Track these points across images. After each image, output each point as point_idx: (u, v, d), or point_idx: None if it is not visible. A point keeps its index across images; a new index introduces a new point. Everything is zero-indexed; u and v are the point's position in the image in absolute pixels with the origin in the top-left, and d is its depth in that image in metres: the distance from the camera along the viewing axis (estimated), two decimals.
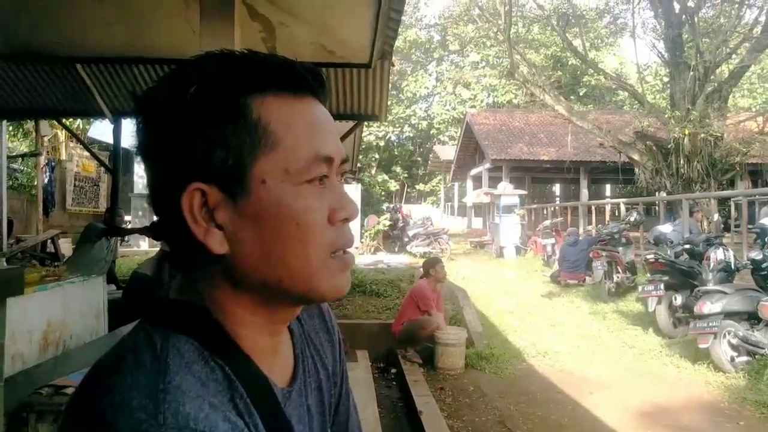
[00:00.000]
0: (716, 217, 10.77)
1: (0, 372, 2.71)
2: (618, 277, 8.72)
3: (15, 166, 10.66)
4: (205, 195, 0.53)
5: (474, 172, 25.06)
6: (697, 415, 4.39)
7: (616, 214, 12.85)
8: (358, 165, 19.87)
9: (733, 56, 14.40)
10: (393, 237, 15.82)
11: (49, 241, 8.05)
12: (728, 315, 5.23)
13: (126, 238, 13.85)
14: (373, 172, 31.53)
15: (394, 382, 5.41)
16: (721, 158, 12.86)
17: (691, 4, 14.44)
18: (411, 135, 34.26)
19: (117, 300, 4.75)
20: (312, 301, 0.61)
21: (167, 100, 0.55)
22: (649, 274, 7.01)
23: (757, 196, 11.63)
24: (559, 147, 20.69)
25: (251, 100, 0.54)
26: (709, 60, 13.22)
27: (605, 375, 5.37)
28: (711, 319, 5.21)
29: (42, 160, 9.86)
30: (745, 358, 5.14)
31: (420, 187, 35.17)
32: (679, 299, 6.35)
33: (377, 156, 32.45)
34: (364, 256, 14.22)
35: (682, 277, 6.51)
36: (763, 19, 13.84)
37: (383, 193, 31.17)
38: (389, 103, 10.36)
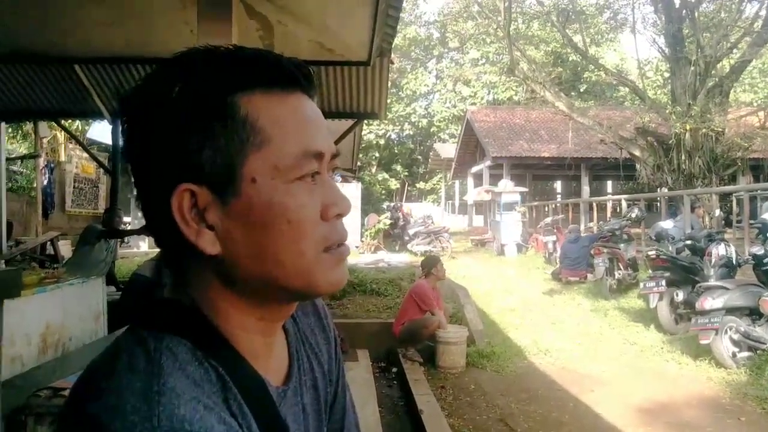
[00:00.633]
0: (718, 212, 10.74)
1: None
2: (619, 274, 8.71)
3: (14, 168, 10.67)
4: (195, 196, 0.53)
5: (475, 169, 25.04)
6: (699, 411, 4.38)
7: (618, 210, 12.83)
8: (358, 164, 19.85)
9: (734, 51, 14.40)
10: (393, 236, 15.82)
11: (48, 243, 8.05)
12: (730, 311, 5.21)
13: (126, 239, 13.88)
14: (373, 170, 31.53)
15: (395, 382, 5.41)
16: (722, 153, 12.84)
17: None
18: (411, 133, 34.25)
19: (117, 302, 4.75)
20: (310, 296, 0.60)
21: (152, 100, 0.54)
22: (650, 271, 7.00)
23: (758, 192, 11.60)
24: (560, 144, 20.66)
25: (238, 98, 0.53)
26: (709, 55, 13.19)
27: (606, 372, 5.36)
28: (712, 314, 5.19)
29: (41, 161, 9.87)
30: (746, 354, 5.13)
31: (420, 185, 35.16)
32: (680, 295, 6.34)
33: (377, 154, 32.44)
34: (365, 255, 14.22)
35: (684, 273, 6.49)
36: (763, 13, 13.83)
37: (383, 191, 31.18)
38: (389, 101, 10.35)
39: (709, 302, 5.25)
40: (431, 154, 31.21)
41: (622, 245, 9.09)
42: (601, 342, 6.39)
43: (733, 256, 6.23)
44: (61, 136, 11.13)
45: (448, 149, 28.78)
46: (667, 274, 6.49)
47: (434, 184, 34.31)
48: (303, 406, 0.63)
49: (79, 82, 6.25)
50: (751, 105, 19.93)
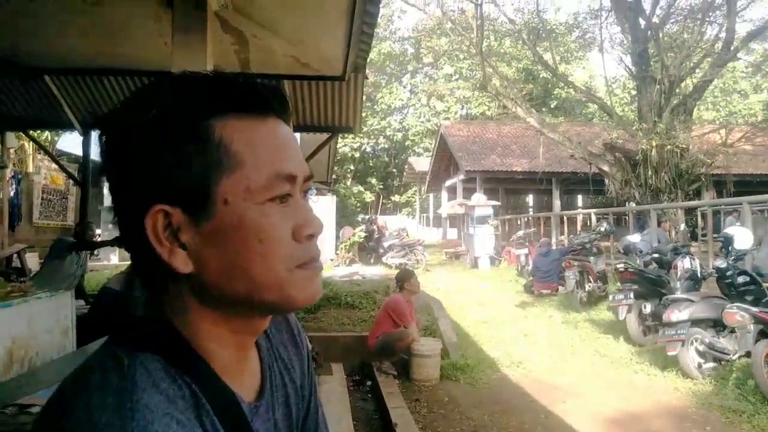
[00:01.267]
0: (683, 226, 11.06)
1: None
2: (589, 287, 8.87)
3: None
4: (169, 216, 0.54)
5: (448, 183, 25.26)
6: (666, 421, 4.48)
7: (588, 224, 13.10)
8: (333, 176, 19.85)
9: (697, 71, 14.89)
10: (368, 248, 15.80)
11: (15, 255, 7.83)
12: (695, 322, 5.35)
13: (96, 251, 13.57)
14: (348, 183, 31.57)
15: (369, 395, 5.39)
16: (687, 169, 13.23)
17: (655, 20, 14.91)
18: (386, 146, 34.46)
19: (85, 315, 4.65)
20: (285, 309, 0.61)
21: (130, 122, 0.55)
22: (619, 283, 7.15)
23: (722, 206, 11.99)
24: (532, 158, 21.01)
25: (213, 122, 0.55)
26: (673, 74, 13.64)
27: (578, 383, 5.44)
28: (679, 326, 5.32)
29: (8, 172, 9.61)
30: (711, 365, 5.27)
31: (395, 198, 35.31)
32: (648, 307, 6.49)
33: (352, 167, 32.53)
34: (340, 267, 14.16)
35: (651, 285, 6.65)
36: (723, 35, 14.35)
37: (358, 204, 31.21)
38: (364, 114, 10.44)
39: (675, 314, 5.38)
40: (406, 167, 31.40)
41: (591, 258, 9.28)
42: (573, 354, 6.49)
43: (698, 269, 6.40)
44: (29, 146, 10.87)
45: (422, 163, 29.01)
46: (635, 287, 6.64)
47: (409, 197, 34.48)
48: (275, 422, 0.64)
49: (50, 93, 6.16)
50: (714, 123, 20.62)
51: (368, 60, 5.71)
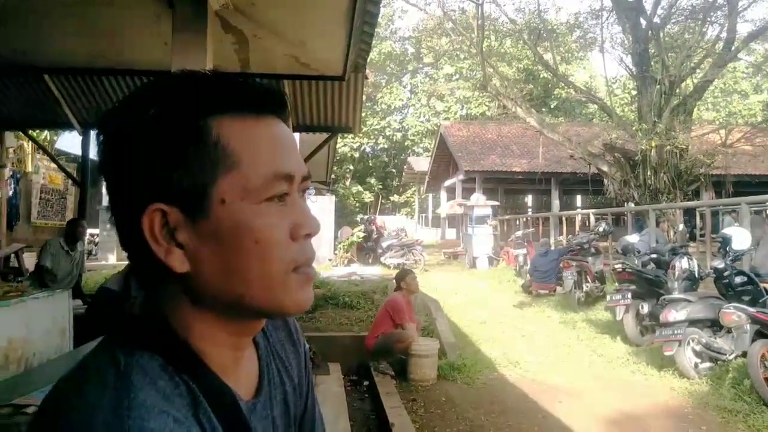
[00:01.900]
0: (681, 227, 11.06)
1: None
2: (587, 287, 8.88)
3: None
4: (166, 215, 0.54)
5: (448, 183, 25.27)
6: (663, 421, 4.49)
7: (586, 224, 13.11)
8: (333, 176, 19.86)
9: (697, 71, 14.88)
10: (367, 248, 15.82)
11: (12, 255, 7.83)
12: (692, 323, 5.35)
13: (93, 251, 13.57)
14: (347, 183, 31.59)
15: (366, 395, 5.39)
16: (686, 170, 13.23)
17: (657, 20, 14.91)
18: (385, 146, 34.47)
19: (83, 315, 4.65)
20: (276, 316, 0.62)
21: (128, 122, 0.56)
22: (617, 284, 7.15)
23: (720, 207, 11.99)
24: (531, 158, 21.02)
25: (210, 122, 0.55)
26: (674, 74, 13.64)
27: (575, 383, 5.45)
28: (676, 326, 5.33)
29: (6, 172, 9.60)
30: (708, 365, 5.28)
31: (394, 198, 35.32)
32: (645, 308, 6.50)
33: (352, 167, 32.55)
34: (338, 267, 14.18)
35: (649, 286, 6.66)
36: (724, 35, 14.35)
37: (357, 204, 31.23)
38: (363, 114, 10.44)
39: (672, 314, 5.39)
40: (405, 167, 31.41)
41: (590, 258, 9.28)
42: (570, 354, 6.50)
43: (696, 269, 6.41)
44: (28, 146, 10.86)
45: (421, 163, 29.03)
46: (632, 287, 6.65)
47: (408, 197, 34.49)
48: (273, 419, 0.64)
49: (49, 92, 6.17)
50: (713, 123, 20.62)
51: (368, 60, 5.72)
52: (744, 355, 4.89)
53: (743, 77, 29.37)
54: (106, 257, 13.08)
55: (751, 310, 5.01)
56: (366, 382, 5.63)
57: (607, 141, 14.26)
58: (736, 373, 4.91)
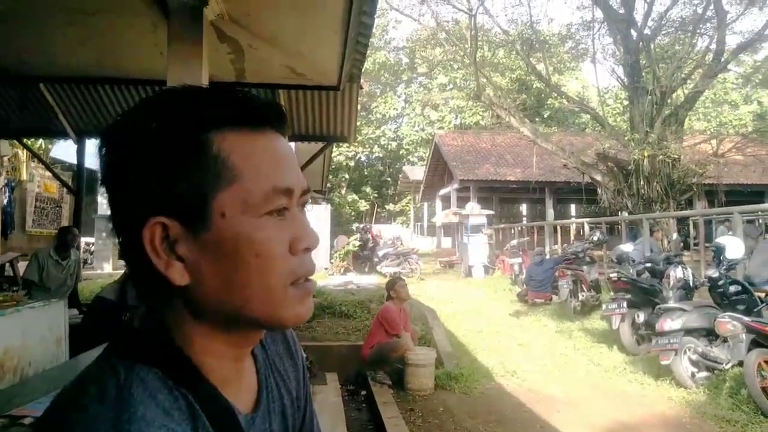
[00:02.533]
0: (675, 236, 11.12)
1: None
2: (583, 296, 8.89)
3: None
4: (167, 228, 0.55)
5: (443, 192, 25.33)
6: (660, 430, 4.49)
7: (581, 233, 13.15)
8: (328, 185, 19.86)
9: (688, 82, 15.02)
10: (363, 257, 15.80)
11: (7, 264, 7.77)
12: (688, 332, 5.36)
13: (89, 260, 13.49)
14: (343, 192, 31.58)
15: (363, 405, 5.37)
16: (678, 179, 13.31)
17: (647, 31, 15.06)
18: (381, 155, 34.54)
19: (79, 325, 4.62)
20: (275, 328, 0.63)
21: (130, 135, 0.56)
22: (612, 293, 7.17)
23: (713, 216, 12.07)
24: (525, 168, 21.11)
25: (211, 136, 0.55)
26: (665, 85, 13.75)
27: (572, 393, 5.45)
28: (672, 335, 5.34)
29: (1, 180, 9.57)
30: (704, 374, 5.28)
31: (390, 207, 35.34)
32: (641, 317, 6.51)
33: (347, 176, 32.56)
34: (334, 276, 14.15)
35: (644, 295, 6.68)
36: (714, 47, 14.51)
37: (353, 213, 31.21)
38: (358, 124, 10.46)
39: (668, 323, 5.40)
40: (400, 176, 31.47)
41: (585, 267, 9.30)
42: (567, 363, 6.49)
43: (690, 278, 6.43)
44: (23, 154, 10.82)
45: (416, 172, 29.09)
46: (628, 296, 6.67)
47: (403, 206, 34.52)
48: None
49: (44, 101, 6.15)
50: (705, 133, 20.80)
51: (363, 70, 5.75)
52: (740, 364, 4.91)
53: (733, 88, 29.69)
54: (102, 266, 13.01)
55: (746, 319, 5.04)
56: (363, 392, 5.61)
57: (600, 150, 14.33)
58: (733, 382, 4.92)
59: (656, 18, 15.68)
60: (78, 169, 8.14)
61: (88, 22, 4.22)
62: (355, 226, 20.21)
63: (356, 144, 29.76)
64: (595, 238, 10.19)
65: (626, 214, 12.98)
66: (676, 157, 13.15)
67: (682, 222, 13.68)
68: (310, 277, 0.60)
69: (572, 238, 13.55)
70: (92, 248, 13.86)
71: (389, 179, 35.32)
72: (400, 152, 33.95)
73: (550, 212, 21.36)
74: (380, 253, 15.41)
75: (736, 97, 30.82)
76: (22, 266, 7.77)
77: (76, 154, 8.05)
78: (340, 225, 24.46)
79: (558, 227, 14.95)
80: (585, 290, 8.94)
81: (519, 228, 18.47)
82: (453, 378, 5.67)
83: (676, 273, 6.43)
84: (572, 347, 7.15)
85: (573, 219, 21.14)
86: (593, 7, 16.44)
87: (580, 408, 5.02)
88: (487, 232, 16.06)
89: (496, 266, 15.04)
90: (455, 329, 7.97)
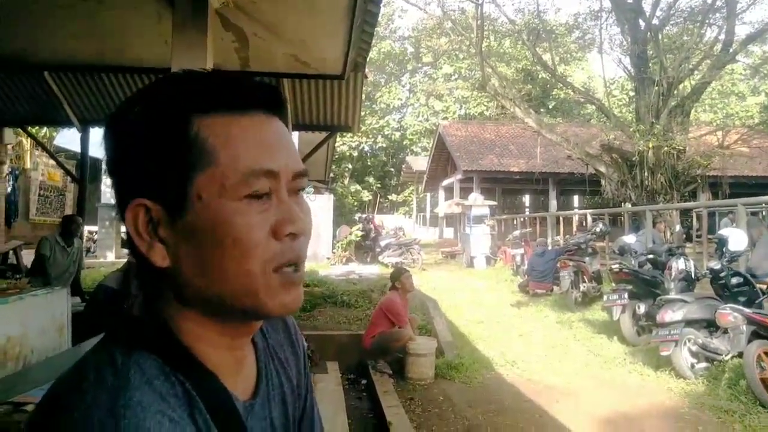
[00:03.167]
0: (678, 227, 11.08)
1: None
2: (584, 287, 8.90)
3: None
4: (149, 211, 0.56)
5: (446, 182, 25.29)
6: (659, 421, 4.51)
7: (583, 224, 13.13)
8: (331, 175, 19.86)
9: (695, 72, 14.91)
10: (365, 247, 15.82)
11: (11, 252, 7.83)
12: (688, 323, 5.37)
13: (92, 248, 13.54)
14: (345, 182, 31.58)
15: (364, 393, 5.41)
16: (683, 171, 13.26)
17: (655, 21, 14.93)
18: (384, 145, 34.46)
19: (81, 313, 4.65)
20: (260, 317, 0.61)
21: (119, 119, 0.58)
22: (613, 284, 7.17)
23: (717, 208, 12.02)
24: (529, 159, 21.04)
25: (193, 119, 0.56)
26: (672, 76, 13.65)
27: (572, 383, 5.47)
28: (672, 327, 5.35)
29: (5, 168, 9.60)
30: (704, 365, 5.30)
31: (393, 197, 35.33)
32: (642, 308, 6.51)
33: (350, 166, 32.54)
34: (336, 266, 14.18)
35: (645, 286, 6.68)
36: (722, 37, 14.38)
37: (356, 203, 31.23)
38: (362, 113, 10.45)
39: (669, 315, 5.41)
40: (403, 166, 31.42)
41: (587, 259, 9.30)
42: (567, 353, 6.51)
43: (692, 270, 6.43)
44: (27, 142, 10.85)
45: (420, 162, 29.04)
46: (629, 287, 6.67)
47: (406, 197, 34.50)
48: (271, 420, 0.64)
49: (49, 90, 6.16)
50: (711, 125, 20.67)
51: (367, 59, 5.73)
52: (740, 355, 4.91)
53: (741, 79, 29.45)
54: (105, 255, 13.06)
55: (747, 311, 5.04)
56: (364, 381, 5.64)
57: (605, 142, 14.27)
58: (733, 373, 4.93)
59: (665, 8, 15.54)
60: (82, 158, 8.17)
61: (92, 11, 4.22)
62: (357, 216, 20.21)
63: (360, 134, 29.70)
64: (598, 230, 10.18)
65: (629, 206, 12.94)
66: (681, 148, 13.09)
67: (685, 214, 13.64)
68: (301, 266, 0.59)
69: (575, 229, 13.51)
70: (95, 237, 13.91)
71: (392, 169, 35.28)
72: (404, 142, 33.89)
73: (553, 203, 21.31)
74: (382, 244, 15.42)
75: (744, 89, 30.58)
76: (25, 254, 7.83)
77: (80, 143, 8.08)
78: (342, 215, 24.49)
79: (560, 218, 14.92)
80: (586, 281, 8.95)
81: (521, 219, 18.44)
82: (453, 368, 5.69)
83: (678, 264, 6.43)
84: (572, 338, 7.17)
85: (576, 210, 21.10)
86: None
87: (579, 398, 5.04)
88: (489, 222, 16.05)
89: (498, 257, 15.05)
90: (456, 319, 7.99)
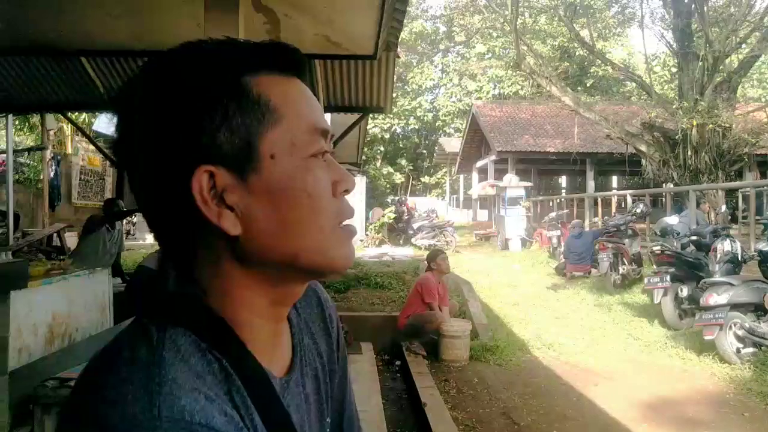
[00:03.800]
0: (723, 208, 10.71)
1: (5, 365, 2.73)
2: (624, 269, 8.70)
3: (21, 159, 10.69)
4: (213, 177, 0.53)
5: (479, 164, 25.01)
6: (702, 406, 4.38)
7: (623, 205, 12.80)
8: (363, 157, 19.85)
9: (743, 46, 14.25)
10: (398, 230, 15.83)
11: (55, 234, 8.10)
12: (734, 306, 5.20)
13: (132, 231, 13.93)
14: (378, 164, 31.55)
15: (398, 374, 5.43)
16: (729, 149, 12.77)
17: None
18: (416, 127, 34.22)
19: (122, 293, 4.78)
20: (326, 273, 0.59)
21: (162, 85, 0.54)
22: (655, 266, 6.98)
23: (765, 188, 11.54)
24: (566, 138, 20.59)
25: (248, 79, 0.54)
26: (718, 50, 13.09)
27: (610, 367, 5.37)
28: (717, 310, 5.18)
29: (48, 153, 9.89)
30: (750, 350, 5.12)
31: (425, 179, 35.15)
32: (685, 291, 6.32)
33: (382, 148, 32.45)
34: (369, 248, 14.24)
35: (689, 268, 6.47)
36: None
37: (388, 185, 31.22)
38: (394, 95, 10.33)
39: (713, 298, 5.24)
40: (436, 148, 31.19)
41: (626, 240, 9.08)
42: (605, 337, 6.39)
43: (739, 252, 6.21)
44: (67, 128, 11.15)
45: (453, 143, 28.76)
46: (671, 270, 6.48)
47: (439, 179, 34.29)
48: (305, 396, 0.64)
49: (86, 74, 6.27)
50: (759, 101, 19.78)
51: (399, 39, 5.63)
52: None
53: None
54: (144, 237, 13.42)
55: None
56: (398, 362, 5.67)
57: (646, 120, 13.83)
58: None
59: None
60: None
61: None
62: (390, 198, 20.25)
63: (392, 116, 29.56)
64: (638, 211, 9.92)
65: (671, 186, 12.54)
66: (727, 126, 12.58)
67: (730, 194, 13.14)
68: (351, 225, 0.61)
69: (614, 210, 13.19)
70: (134, 219, 14.28)
71: (425, 151, 35.03)
72: (437, 124, 33.53)
73: (591, 184, 20.84)
74: (415, 226, 15.39)
75: None
76: (68, 237, 8.09)
77: None
78: (375, 197, 24.53)
79: (599, 199, 14.58)
80: (626, 263, 8.73)
81: (558, 200, 18.11)
82: (488, 350, 5.66)
83: (724, 246, 6.21)
84: (611, 321, 7.03)
85: (614, 191, 20.61)
86: None
87: (618, 382, 4.95)
88: (524, 204, 15.82)
89: (533, 239, 14.83)
90: (491, 302, 7.93)
